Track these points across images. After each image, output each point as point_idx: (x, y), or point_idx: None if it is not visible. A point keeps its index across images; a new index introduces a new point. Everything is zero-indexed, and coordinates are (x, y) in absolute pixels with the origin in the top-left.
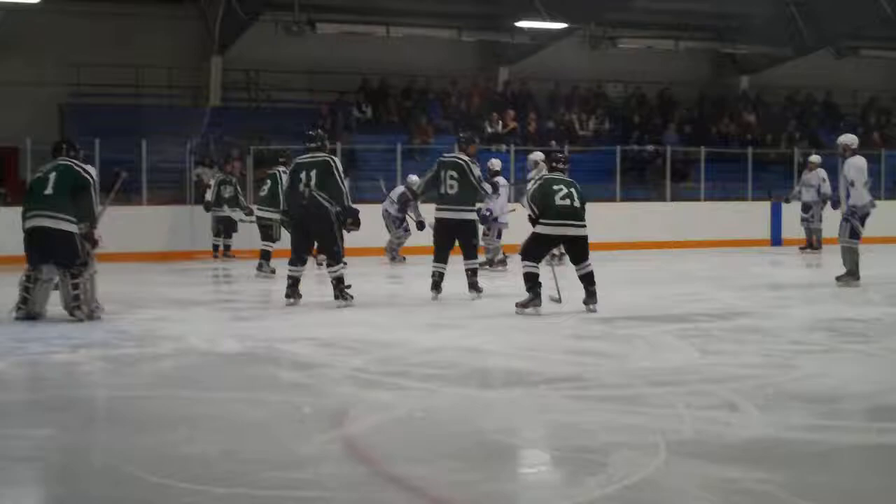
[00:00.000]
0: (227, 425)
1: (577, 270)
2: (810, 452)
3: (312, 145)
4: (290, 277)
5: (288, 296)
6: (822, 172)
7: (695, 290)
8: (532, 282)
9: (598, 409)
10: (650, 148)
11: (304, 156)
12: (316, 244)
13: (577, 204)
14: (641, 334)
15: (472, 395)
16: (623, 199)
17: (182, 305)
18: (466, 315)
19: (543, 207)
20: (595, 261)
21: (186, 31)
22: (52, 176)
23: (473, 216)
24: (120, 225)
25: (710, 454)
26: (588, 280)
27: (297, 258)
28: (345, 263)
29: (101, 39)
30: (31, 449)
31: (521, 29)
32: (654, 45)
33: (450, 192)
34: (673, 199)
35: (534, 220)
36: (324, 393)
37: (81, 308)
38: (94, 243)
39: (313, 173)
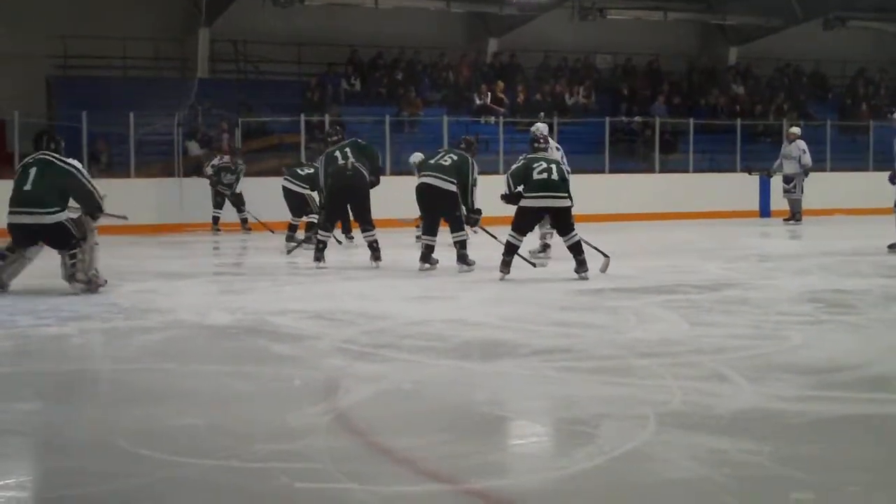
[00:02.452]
0: (215, 398)
1: (564, 242)
2: (799, 423)
3: (335, 138)
4: (320, 241)
5: (317, 259)
6: (801, 144)
7: (683, 261)
8: (509, 252)
9: (588, 380)
10: (638, 119)
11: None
12: (351, 213)
13: (555, 177)
14: (630, 306)
15: (462, 367)
16: (612, 171)
17: (171, 278)
18: (456, 287)
19: (525, 183)
20: (585, 232)
21: (173, 2)
22: (32, 171)
23: (455, 188)
24: (108, 198)
25: (698, 425)
26: (576, 250)
27: (330, 225)
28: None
29: (88, 11)
30: (18, 422)
31: (510, 0)
32: (642, 16)
33: (442, 162)
34: (661, 171)
35: (506, 197)
36: (313, 365)
37: (78, 277)
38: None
39: (348, 150)
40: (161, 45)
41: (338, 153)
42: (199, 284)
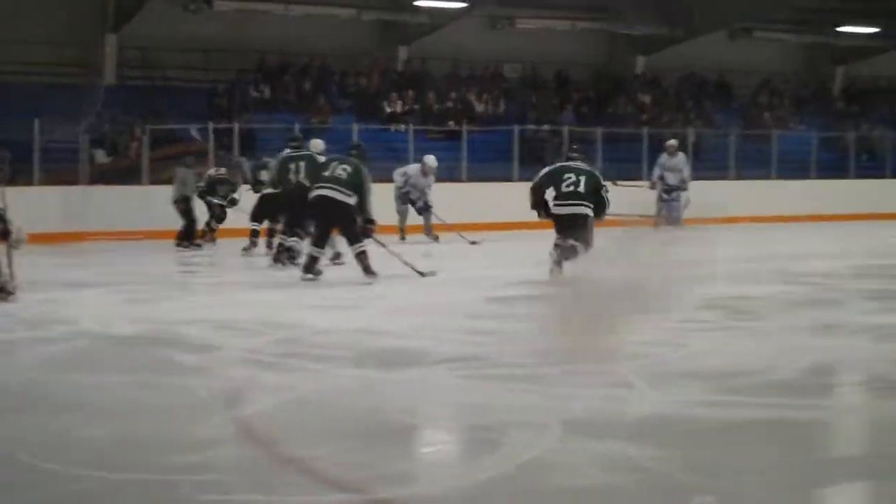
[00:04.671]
0: (121, 409)
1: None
2: (702, 429)
3: (294, 143)
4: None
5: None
6: (683, 156)
7: (588, 268)
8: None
9: (495, 388)
10: (546, 128)
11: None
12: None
13: (581, 189)
14: (538, 313)
15: (369, 376)
16: (521, 180)
17: (75, 288)
18: (362, 296)
19: (555, 191)
20: (496, 240)
21: (80, 7)
22: None
23: (353, 202)
24: (11, 207)
25: (604, 432)
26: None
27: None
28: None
29: None
30: None
31: (420, 8)
32: (551, 25)
33: (339, 174)
34: None
35: (535, 206)
36: (219, 375)
37: None
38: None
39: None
40: (67, 50)
41: (291, 165)
42: (103, 294)
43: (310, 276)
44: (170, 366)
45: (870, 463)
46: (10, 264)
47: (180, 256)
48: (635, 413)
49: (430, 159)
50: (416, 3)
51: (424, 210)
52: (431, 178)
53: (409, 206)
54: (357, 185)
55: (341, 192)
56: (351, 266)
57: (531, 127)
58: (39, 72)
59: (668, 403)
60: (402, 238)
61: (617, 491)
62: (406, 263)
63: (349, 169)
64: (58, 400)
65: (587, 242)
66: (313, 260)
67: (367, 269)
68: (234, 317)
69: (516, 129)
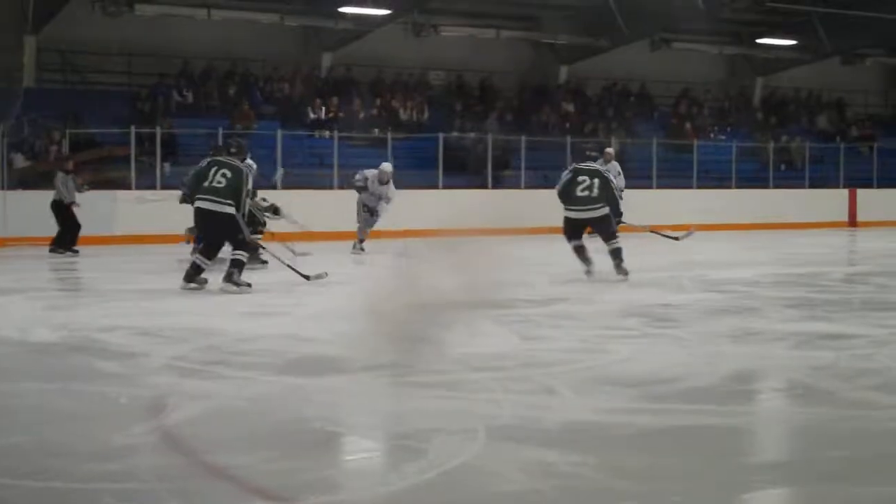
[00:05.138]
0: (40, 417)
1: (606, 247)
2: (624, 435)
3: (233, 150)
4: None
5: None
6: (616, 165)
7: (514, 276)
8: (579, 254)
9: (418, 395)
10: (471, 135)
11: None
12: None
13: (594, 193)
14: (461, 320)
15: (293, 383)
16: (445, 187)
17: None
18: (286, 303)
19: (566, 197)
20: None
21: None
22: None
23: (233, 210)
24: None
25: (527, 438)
26: (615, 255)
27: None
28: None
29: None
30: None
31: (344, 15)
32: (476, 33)
33: (216, 184)
34: (494, 187)
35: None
36: (141, 383)
37: None
38: None
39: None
40: None
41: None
42: (22, 300)
43: (192, 285)
44: (91, 373)
45: (788, 468)
46: None
47: (104, 262)
48: (558, 419)
49: (387, 166)
50: (340, 10)
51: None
52: (390, 185)
53: (370, 215)
54: (237, 192)
55: (218, 202)
56: (274, 273)
57: (455, 134)
58: None
59: (590, 409)
60: (361, 248)
61: (541, 496)
62: (291, 267)
63: (228, 174)
64: None
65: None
66: (196, 269)
67: (232, 277)
68: (158, 324)
69: (441, 136)
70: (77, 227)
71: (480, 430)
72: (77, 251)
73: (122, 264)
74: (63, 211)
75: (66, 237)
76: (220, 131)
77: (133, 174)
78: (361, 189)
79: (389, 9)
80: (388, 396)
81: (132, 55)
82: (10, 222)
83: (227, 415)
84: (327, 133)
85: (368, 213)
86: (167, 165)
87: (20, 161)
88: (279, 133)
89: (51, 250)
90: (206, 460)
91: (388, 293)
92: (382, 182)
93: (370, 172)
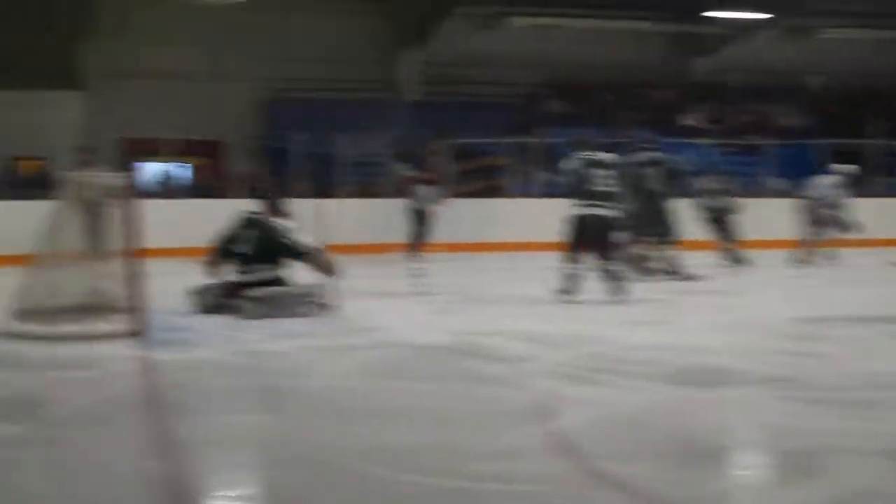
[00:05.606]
0: (435, 417)
1: None
2: None
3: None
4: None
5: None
6: None
7: None
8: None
9: (814, 411)
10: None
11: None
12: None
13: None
14: (858, 335)
15: (680, 394)
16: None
17: (383, 298)
18: (673, 312)
19: None
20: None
21: (383, 26)
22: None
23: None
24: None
25: None
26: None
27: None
28: None
29: (300, 36)
30: (245, 435)
31: (716, 19)
32: (859, 35)
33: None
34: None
35: None
36: (528, 387)
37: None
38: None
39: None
40: (372, 67)
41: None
42: (412, 304)
43: (620, 295)
44: (479, 376)
45: None
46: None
47: (488, 269)
48: None
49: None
50: (711, 15)
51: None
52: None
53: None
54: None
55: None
56: (658, 282)
57: (836, 140)
58: (347, 88)
59: None
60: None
61: None
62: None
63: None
64: (374, 406)
65: None
66: (614, 276)
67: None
68: (543, 330)
69: (820, 142)
70: (428, 234)
71: (880, 454)
72: (423, 257)
73: (504, 271)
74: (422, 218)
75: (419, 243)
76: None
77: (511, 183)
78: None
79: (764, 12)
80: (780, 411)
81: (508, 66)
82: (392, 229)
83: (613, 422)
84: (703, 139)
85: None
86: (544, 174)
87: (404, 170)
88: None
89: (406, 256)
90: (594, 466)
91: (776, 304)
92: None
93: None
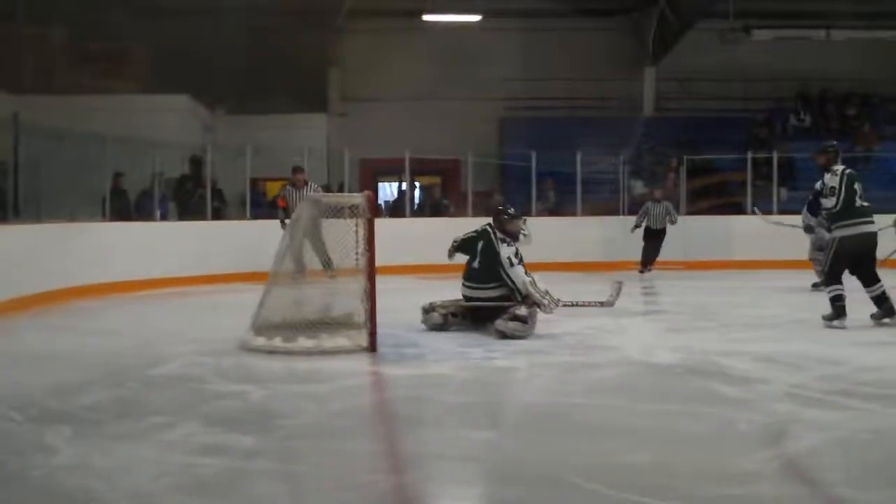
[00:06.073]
0: (662, 436)
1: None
2: None
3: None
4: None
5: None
6: None
7: None
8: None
9: None
10: None
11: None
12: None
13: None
14: None
15: None
16: None
17: (616, 315)
18: None
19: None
20: None
21: (619, 42)
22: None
23: None
24: (553, 236)
25: None
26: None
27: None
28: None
29: (535, 54)
30: (474, 450)
31: None
32: None
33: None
34: None
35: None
36: (762, 409)
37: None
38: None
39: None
40: (607, 84)
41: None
42: (644, 322)
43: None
44: (710, 396)
45: None
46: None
47: (723, 286)
48: None
49: None
50: None
51: None
52: None
53: None
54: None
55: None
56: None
57: None
58: (582, 105)
59: None
60: None
61: None
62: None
63: None
64: (601, 424)
65: None
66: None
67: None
68: (777, 350)
69: None
70: (656, 252)
71: None
72: (642, 272)
73: (739, 289)
74: (657, 235)
75: (652, 260)
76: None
77: (749, 199)
78: None
79: None
80: None
81: (748, 80)
82: (629, 247)
83: (852, 447)
84: None
85: None
86: (784, 190)
87: (639, 187)
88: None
89: (640, 271)
90: (831, 493)
91: None
92: None
93: None
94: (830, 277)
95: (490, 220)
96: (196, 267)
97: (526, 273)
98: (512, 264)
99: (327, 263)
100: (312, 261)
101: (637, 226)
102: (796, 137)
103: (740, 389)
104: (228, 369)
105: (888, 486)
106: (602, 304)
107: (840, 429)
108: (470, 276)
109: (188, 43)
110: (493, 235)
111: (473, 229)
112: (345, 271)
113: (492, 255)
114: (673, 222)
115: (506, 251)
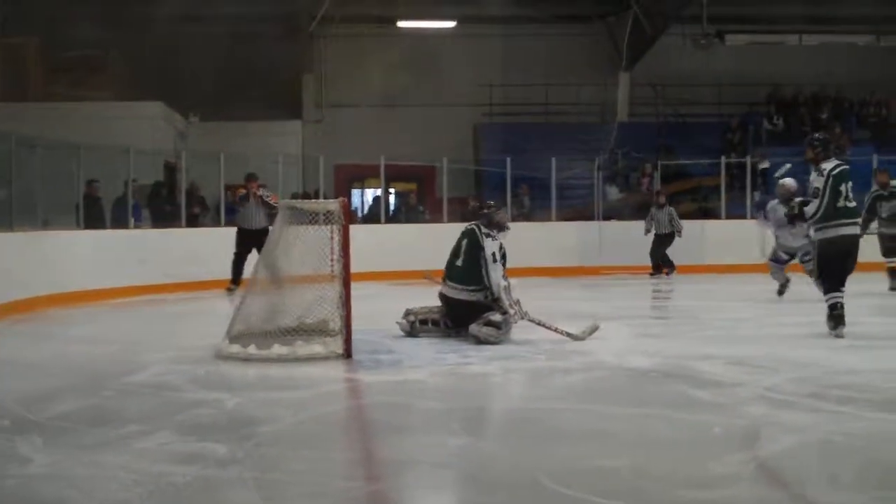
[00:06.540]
0: (638, 440)
1: None
2: None
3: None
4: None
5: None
6: None
7: None
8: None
9: None
10: None
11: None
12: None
13: None
14: None
15: (892, 420)
16: None
17: (589, 320)
18: (892, 335)
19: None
20: None
21: (593, 48)
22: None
23: None
24: (528, 241)
25: None
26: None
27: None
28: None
29: (510, 60)
30: (449, 456)
31: None
32: None
33: None
34: None
35: None
36: (736, 412)
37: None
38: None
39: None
40: (582, 90)
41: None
42: (619, 327)
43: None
44: (685, 400)
45: None
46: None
47: (696, 290)
48: None
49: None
50: None
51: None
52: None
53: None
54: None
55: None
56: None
57: None
58: (557, 111)
59: None
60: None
61: None
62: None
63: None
64: (576, 428)
65: None
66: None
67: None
68: (750, 353)
69: None
70: (663, 256)
71: None
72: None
73: (713, 293)
74: (663, 240)
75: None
76: None
77: (723, 204)
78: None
79: None
80: None
81: (721, 85)
82: (604, 251)
83: (823, 450)
84: None
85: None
86: (757, 194)
87: (613, 193)
88: (874, 158)
89: (650, 274)
90: (802, 495)
91: None
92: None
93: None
94: (825, 284)
95: (472, 222)
96: (172, 275)
97: (504, 277)
98: (495, 260)
99: (306, 270)
100: (288, 268)
101: (648, 230)
102: (770, 142)
103: (714, 393)
104: (203, 377)
105: (861, 489)
106: (570, 335)
107: (813, 432)
108: (452, 275)
109: (162, 50)
110: (478, 232)
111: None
112: (321, 278)
113: (476, 252)
114: (678, 231)
115: (490, 246)
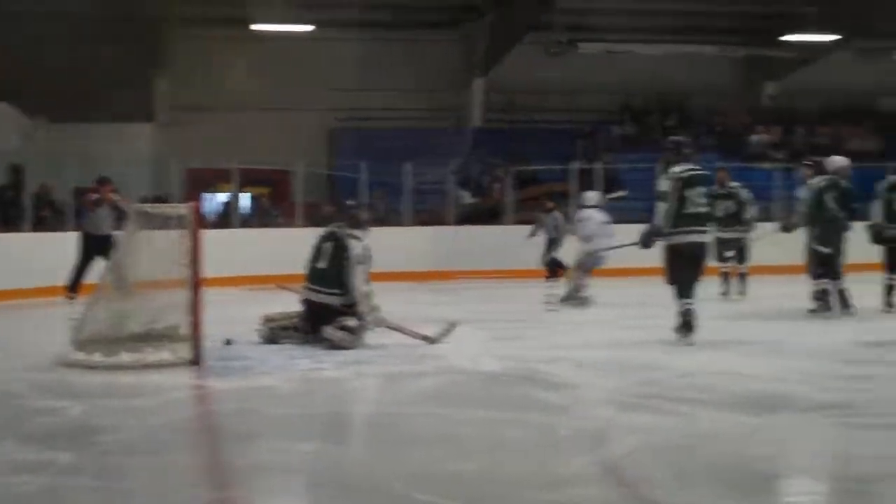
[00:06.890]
0: (487, 444)
1: None
2: None
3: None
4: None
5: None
6: None
7: None
8: None
9: (870, 437)
10: None
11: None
12: None
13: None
14: None
15: (734, 420)
16: None
17: (442, 324)
18: (730, 337)
19: None
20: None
21: (449, 54)
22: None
23: None
24: (383, 246)
25: None
26: None
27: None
28: None
29: (366, 65)
30: (300, 462)
31: (788, 43)
32: None
33: None
34: None
35: None
36: (581, 414)
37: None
38: None
39: None
40: (436, 96)
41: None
42: (470, 331)
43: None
44: (533, 403)
45: None
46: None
47: (538, 294)
48: None
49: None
50: (783, 38)
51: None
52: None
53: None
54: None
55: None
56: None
57: None
58: (412, 117)
59: None
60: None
61: None
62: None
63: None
64: (427, 433)
65: None
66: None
67: None
68: (597, 356)
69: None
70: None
71: None
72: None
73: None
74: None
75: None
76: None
77: (574, 210)
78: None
79: (836, 34)
80: (836, 437)
81: (574, 93)
82: (459, 256)
83: (666, 450)
84: (768, 163)
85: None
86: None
87: (467, 198)
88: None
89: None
90: (648, 494)
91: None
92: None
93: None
94: (675, 290)
95: (332, 224)
96: (17, 280)
97: (367, 282)
98: (360, 262)
99: (155, 275)
100: (137, 274)
101: (532, 234)
102: (621, 148)
103: (562, 395)
104: (47, 385)
105: (703, 488)
106: (426, 338)
107: (656, 432)
108: (314, 277)
109: (6, 48)
110: (342, 234)
111: (319, 238)
112: (171, 283)
113: (340, 254)
114: (564, 235)
115: (356, 247)
